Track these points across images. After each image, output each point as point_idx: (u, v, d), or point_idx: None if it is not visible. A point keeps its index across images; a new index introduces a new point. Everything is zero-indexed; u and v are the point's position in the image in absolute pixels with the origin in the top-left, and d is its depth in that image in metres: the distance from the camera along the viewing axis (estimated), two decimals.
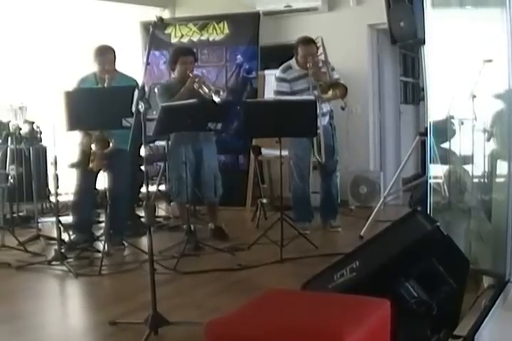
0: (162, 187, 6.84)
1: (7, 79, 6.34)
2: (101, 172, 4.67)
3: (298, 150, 5.45)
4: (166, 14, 7.66)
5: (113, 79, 4.75)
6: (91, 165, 4.58)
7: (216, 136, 5.51)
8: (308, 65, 5.25)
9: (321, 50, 5.42)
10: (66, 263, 4.32)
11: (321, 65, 5.34)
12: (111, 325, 3.12)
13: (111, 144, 4.50)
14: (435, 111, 4.15)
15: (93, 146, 4.52)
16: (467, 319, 2.67)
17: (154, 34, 3.52)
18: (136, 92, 2.99)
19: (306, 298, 2.45)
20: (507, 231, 2.96)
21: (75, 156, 4.99)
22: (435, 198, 4.09)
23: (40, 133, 5.99)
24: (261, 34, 7.08)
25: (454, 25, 3.86)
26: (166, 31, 7.37)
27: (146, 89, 5.30)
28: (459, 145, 4.08)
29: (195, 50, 5.76)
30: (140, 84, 3.58)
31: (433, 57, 4.10)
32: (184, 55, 5.19)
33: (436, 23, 3.95)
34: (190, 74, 5.09)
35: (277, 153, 4.84)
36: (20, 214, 6.03)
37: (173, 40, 7.39)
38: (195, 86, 5.02)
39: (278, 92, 5.40)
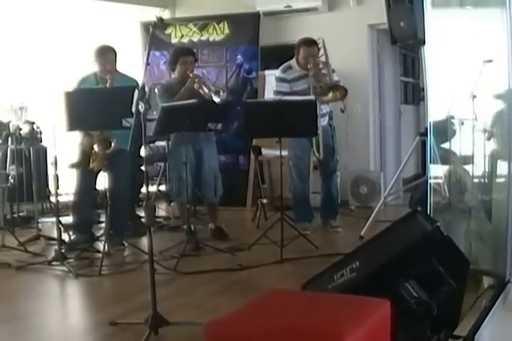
0: (162, 188, 6.84)
1: (7, 80, 6.34)
2: (101, 172, 4.67)
3: (297, 150, 5.44)
4: (166, 14, 7.67)
5: (114, 80, 4.74)
6: (92, 165, 4.59)
7: (216, 136, 5.51)
8: (309, 66, 5.24)
9: (322, 52, 5.41)
10: (66, 263, 4.32)
11: (321, 66, 5.34)
12: (111, 325, 3.12)
13: (113, 144, 4.51)
14: (435, 112, 4.15)
15: (95, 147, 4.52)
16: (467, 319, 2.67)
17: (154, 34, 3.51)
18: (136, 92, 2.99)
19: (306, 298, 2.45)
20: (507, 232, 2.96)
21: (75, 156, 4.99)
22: (435, 198, 4.09)
23: (41, 133, 5.99)
24: (261, 34, 7.08)
25: (454, 25, 3.86)
26: (166, 31, 7.37)
27: (146, 89, 5.29)
28: (459, 145, 4.08)
29: (195, 51, 5.76)
30: (140, 84, 3.57)
31: (433, 57, 4.10)
32: (184, 55, 5.19)
33: (436, 23, 3.95)
34: (191, 75, 5.09)
35: (277, 153, 4.84)
36: (21, 214, 6.03)
37: (174, 41, 7.39)
38: (196, 86, 5.01)
39: (278, 92, 5.39)
